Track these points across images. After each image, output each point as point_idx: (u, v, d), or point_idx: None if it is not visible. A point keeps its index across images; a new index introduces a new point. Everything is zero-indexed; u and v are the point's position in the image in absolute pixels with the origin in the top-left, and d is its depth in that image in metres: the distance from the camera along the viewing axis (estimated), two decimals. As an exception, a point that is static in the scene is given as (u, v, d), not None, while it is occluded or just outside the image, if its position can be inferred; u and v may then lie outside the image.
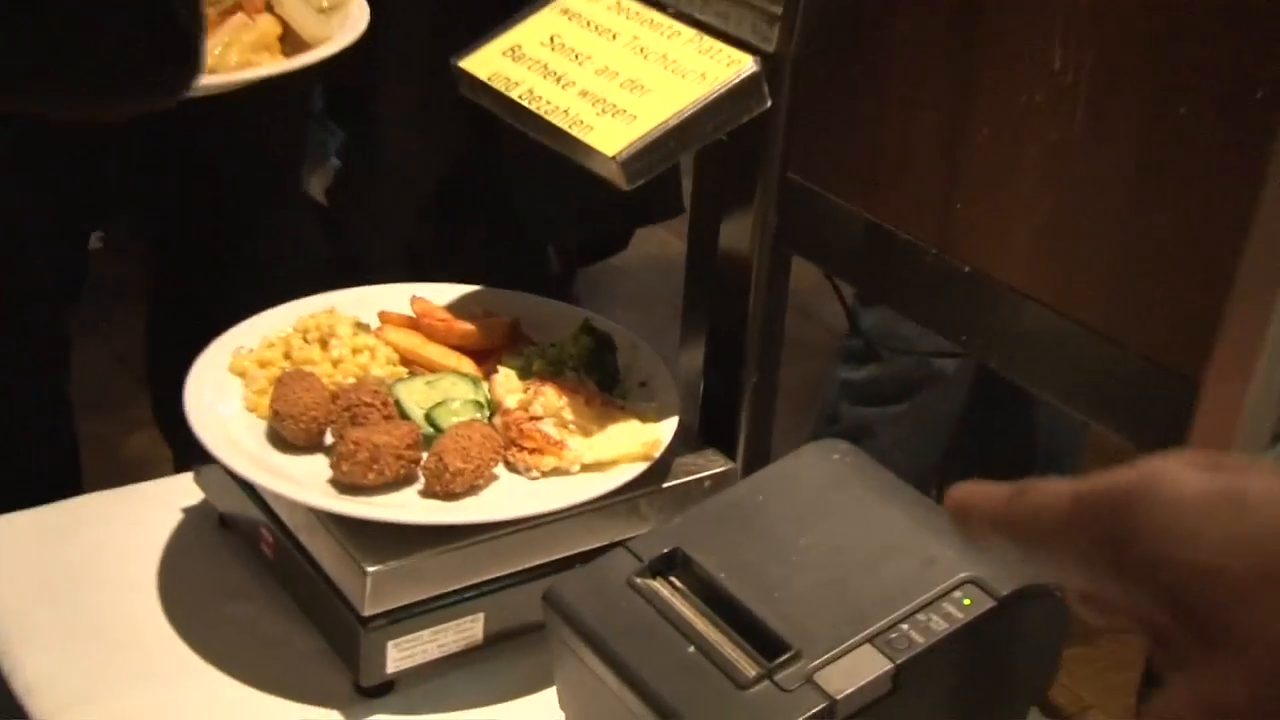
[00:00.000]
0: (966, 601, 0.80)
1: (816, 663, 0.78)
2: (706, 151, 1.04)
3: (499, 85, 1.00)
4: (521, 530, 0.94)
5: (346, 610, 0.91)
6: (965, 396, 1.88)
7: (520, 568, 0.95)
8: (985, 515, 0.42)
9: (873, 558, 0.84)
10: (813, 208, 1.02)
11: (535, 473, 0.96)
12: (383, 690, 0.94)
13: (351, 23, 1.27)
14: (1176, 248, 0.81)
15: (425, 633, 0.92)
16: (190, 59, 0.99)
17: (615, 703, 0.81)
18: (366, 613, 0.90)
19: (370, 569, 0.89)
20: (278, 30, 1.22)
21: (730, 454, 1.06)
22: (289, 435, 0.96)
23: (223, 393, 1.00)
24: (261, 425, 0.98)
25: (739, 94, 0.95)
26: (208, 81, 1.10)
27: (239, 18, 1.20)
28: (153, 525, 1.07)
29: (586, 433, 0.97)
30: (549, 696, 0.90)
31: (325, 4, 1.26)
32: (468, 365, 1.04)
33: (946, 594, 0.80)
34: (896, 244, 0.97)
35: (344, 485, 0.92)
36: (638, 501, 0.98)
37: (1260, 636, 0.30)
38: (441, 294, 1.12)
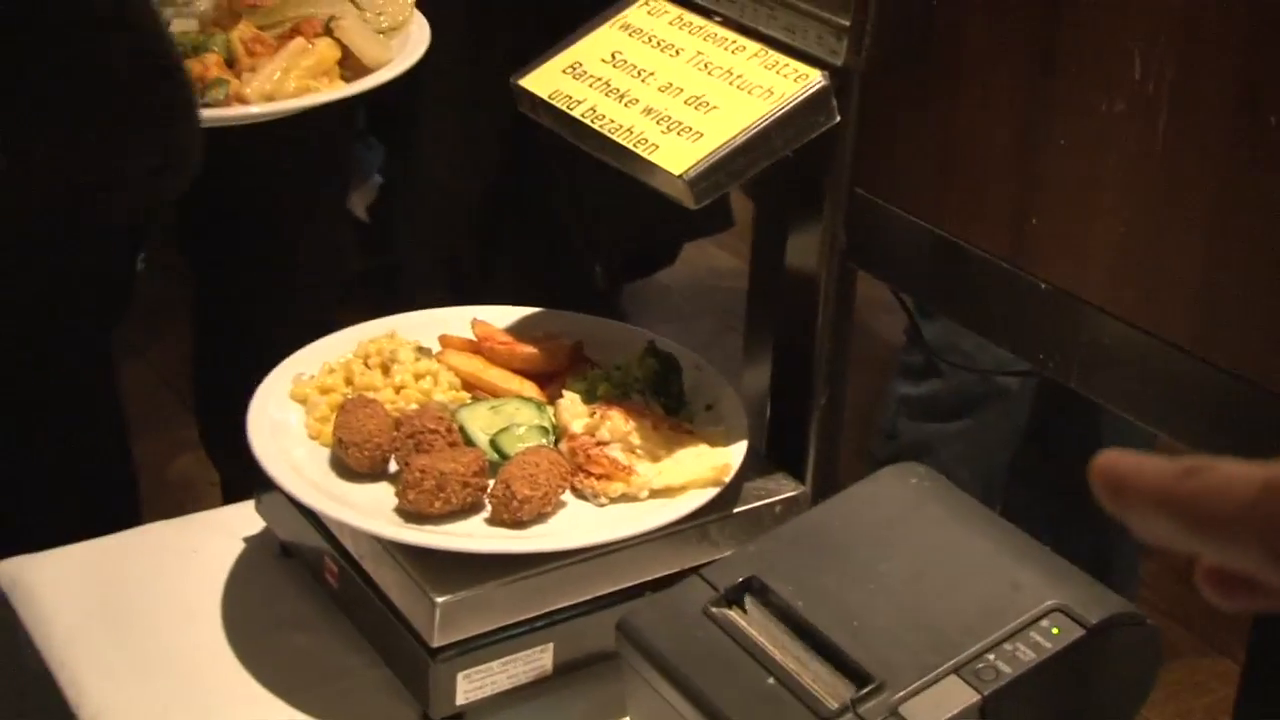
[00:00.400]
0: (1055, 630, 0.79)
1: (901, 694, 0.77)
2: (771, 167, 1.04)
3: (560, 104, 1.00)
4: (591, 558, 0.93)
5: (415, 641, 0.91)
6: (1029, 412, 1.86)
7: (590, 596, 0.94)
8: (1148, 492, 0.38)
9: (955, 584, 0.83)
10: (882, 223, 1.02)
11: (603, 499, 0.95)
12: (451, 722, 0.94)
13: (412, 45, 1.27)
14: (1264, 259, 0.80)
15: (495, 664, 0.92)
16: (184, 168, 1.02)
17: (693, 736, 0.80)
18: (436, 644, 0.90)
19: (439, 599, 0.89)
20: (337, 54, 1.22)
21: (799, 476, 1.06)
22: (353, 463, 0.96)
23: (285, 420, 1.01)
24: (325, 453, 0.99)
25: (807, 109, 0.94)
26: (266, 109, 1.11)
27: (297, 42, 1.20)
28: (213, 555, 1.08)
29: (654, 458, 0.97)
30: (621, 728, 0.89)
31: (385, 24, 1.27)
32: (531, 389, 1.04)
33: (1034, 622, 0.79)
34: (969, 259, 0.96)
35: (410, 514, 0.92)
36: (708, 528, 0.98)
37: None
38: (502, 316, 1.12)
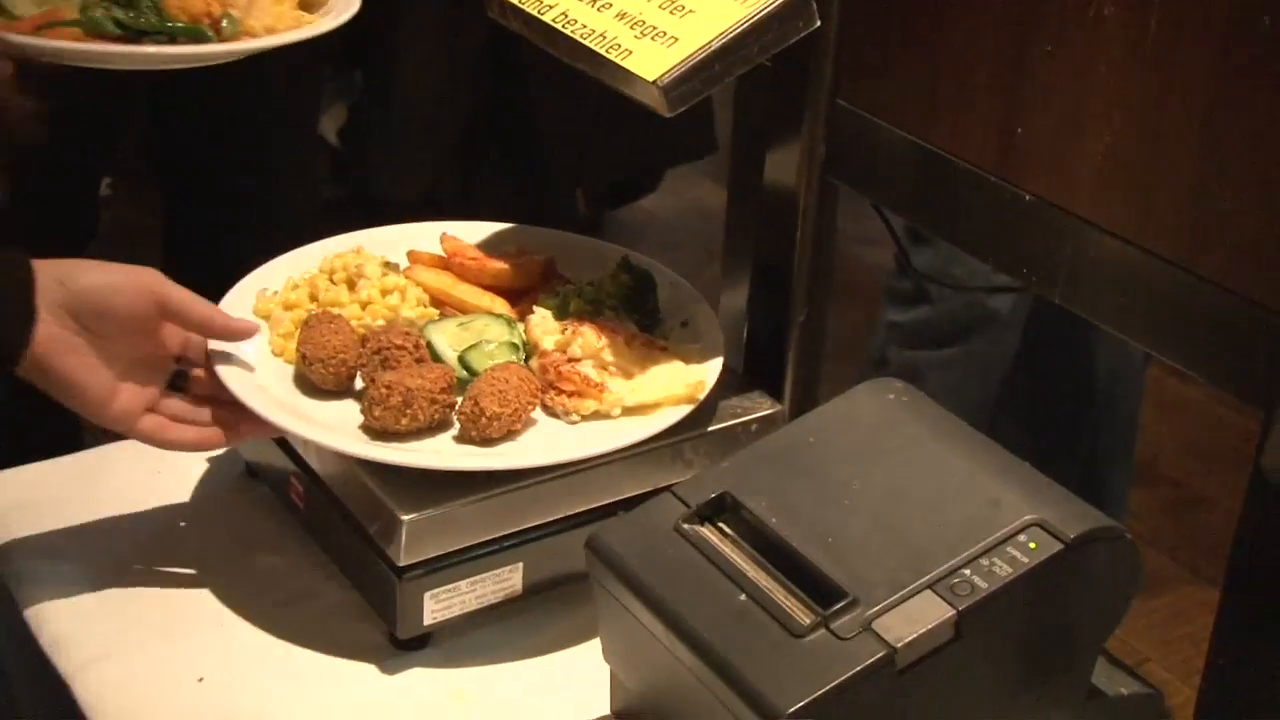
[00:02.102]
0: (1032, 545, 0.79)
1: (875, 610, 0.77)
2: (750, 78, 1.03)
3: (531, 8, 0.99)
4: (561, 476, 0.94)
5: (381, 561, 0.91)
6: (1019, 339, 1.86)
7: (560, 515, 0.95)
8: None
9: (932, 500, 0.83)
10: (863, 136, 1.01)
11: (575, 417, 0.95)
12: (419, 643, 0.94)
13: None
14: (1257, 168, 0.79)
15: (463, 583, 0.92)
16: None
17: (664, 654, 0.80)
18: (402, 563, 0.90)
19: (406, 517, 0.89)
20: None
21: (777, 396, 1.05)
22: (317, 380, 0.95)
23: (255, 341, 1.00)
24: (288, 370, 0.98)
25: (786, 13, 0.93)
26: (235, 47, 1.09)
27: None
28: (177, 476, 1.07)
29: (627, 375, 0.96)
30: (593, 649, 0.89)
31: None
32: (501, 306, 1.04)
33: (1011, 537, 0.79)
34: (954, 172, 0.95)
35: (376, 431, 0.92)
36: (682, 446, 0.98)
37: None
38: (472, 232, 1.11)
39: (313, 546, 1.00)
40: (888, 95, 0.99)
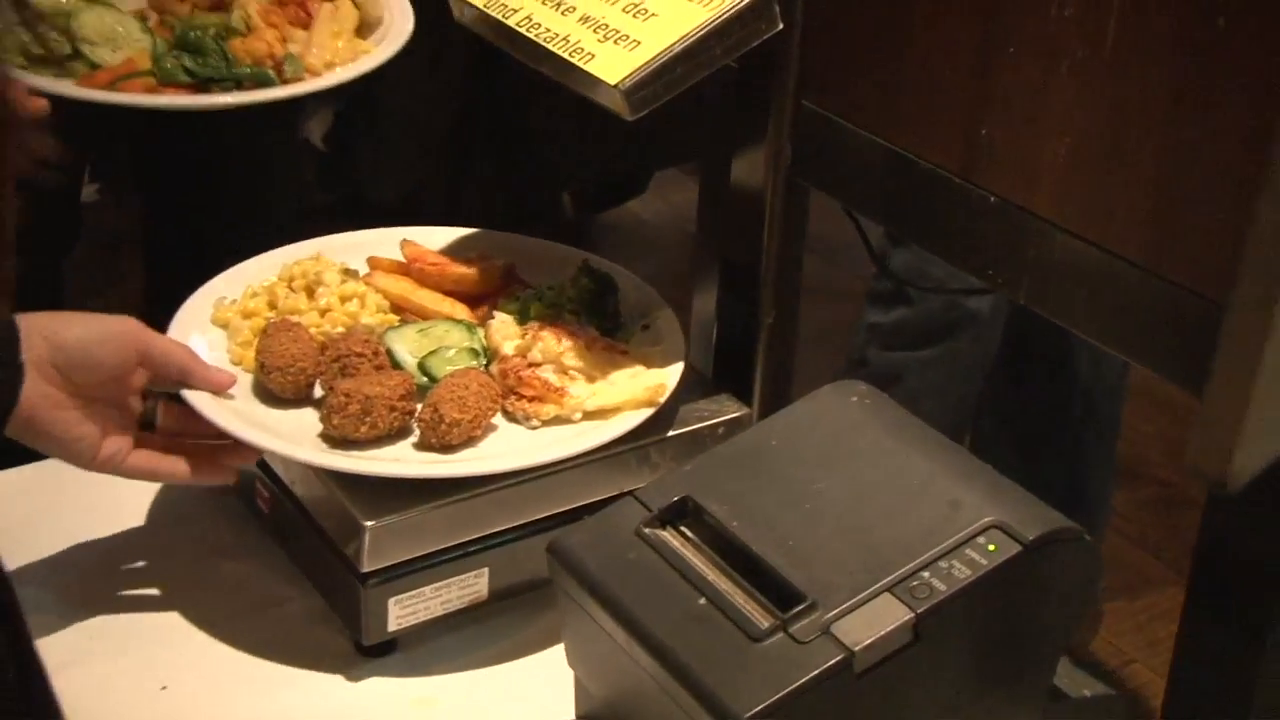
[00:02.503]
0: (991, 547, 0.79)
1: (833, 613, 0.77)
2: (718, 80, 1.03)
3: (496, 12, 0.99)
4: (525, 482, 0.94)
5: (345, 567, 0.92)
6: (999, 339, 1.87)
7: (525, 520, 0.95)
8: None
9: (893, 503, 0.83)
10: (830, 137, 1.01)
11: (536, 422, 0.95)
12: (385, 649, 0.94)
13: None
14: (1217, 169, 0.79)
15: (427, 589, 0.93)
16: None
17: (625, 658, 0.81)
18: (366, 569, 0.90)
19: (369, 524, 0.90)
20: (356, 14, 1.20)
21: (746, 399, 1.06)
22: (276, 388, 0.95)
23: (206, 346, 1.00)
24: (248, 379, 0.98)
25: (748, 16, 0.93)
26: (299, 89, 1.09)
27: (327, 8, 1.17)
28: (145, 484, 1.07)
29: (589, 379, 0.96)
30: (558, 654, 0.90)
31: None
32: (462, 311, 1.04)
33: (970, 540, 0.80)
34: (919, 174, 0.95)
35: (335, 439, 0.92)
36: (647, 450, 0.98)
37: None
38: (433, 237, 1.11)
39: (279, 553, 1.00)
40: (853, 97, 0.99)
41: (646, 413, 0.95)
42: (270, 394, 0.96)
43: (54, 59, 1.09)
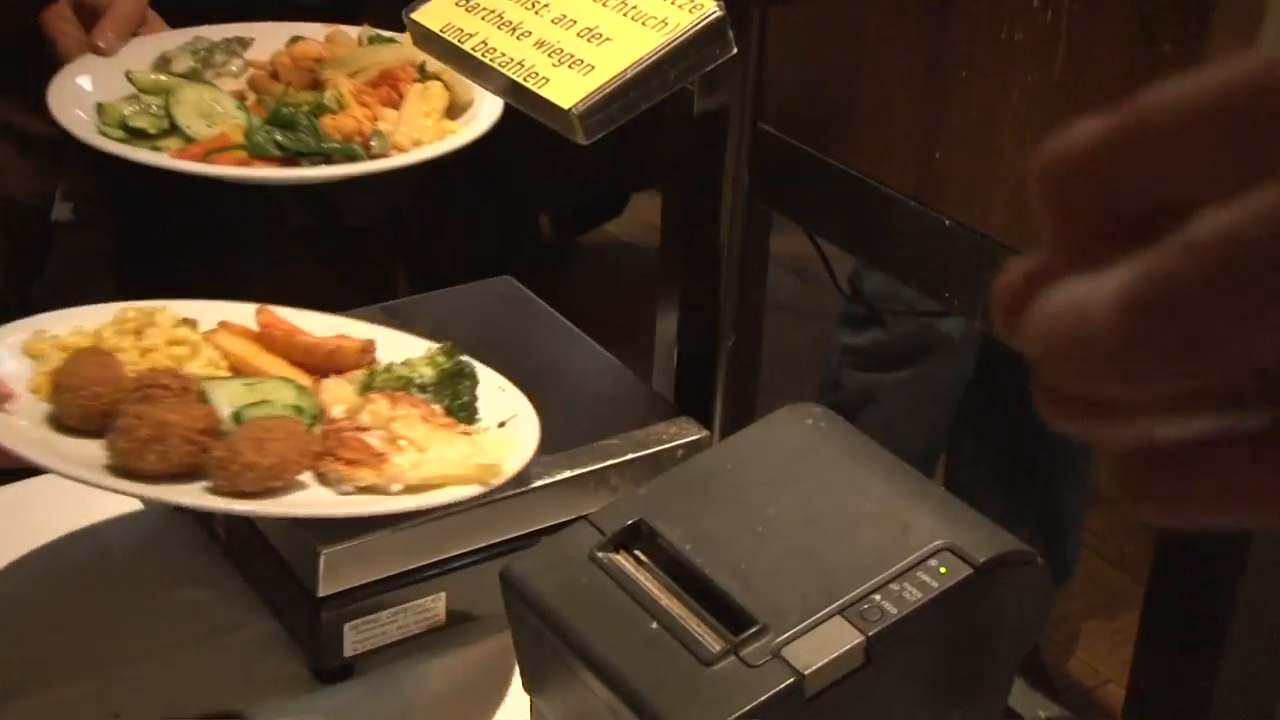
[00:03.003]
0: (943, 570, 0.80)
1: (784, 637, 0.77)
2: (676, 104, 1.04)
3: (452, 37, 0.99)
4: (483, 505, 0.94)
5: (301, 592, 0.92)
6: (973, 361, 1.88)
7: (482, 545, 0.95)
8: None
9: (845, 526, 0.83)
10: (787, 161, 1.02)
11: (348, 487, 0.87)
12: (341, 674, 0.94)
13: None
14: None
15: (384, 614, 0.93)
16: None
17: (577, 683, 0.81)
18: (321, 593, 0.90)
19: (324, 550, 0.90)
20: (447, 95, 1.17)
21: (708, 422, 1.06)
22: (62, 412, 0.85)
23: (8, 371, 0.90)
24: (45, 408, 0.89)
25: (702, 40, 0.94)
26: (383, 165, 1.08)
27: (418, 88, 1.15)
28: (99, 507, 1.07)
29: (418, 450, 0.88)
30: (515, 679, 0.90)
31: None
32: (304, 380, 0.95)
33: (921, 562, 0.80)
34: (875, 197, 0.96)
35: (119, 469, 0.82)
36: (607, 473, 0.98)
37: None
38: (297, 315, 1.02)
39: (237, 578, 1.00)
40: (809, 122, 1.00)
41: (474, 490, 0.88)
42: (62, 423, 0.87)
43: (151, 133, 1.11)
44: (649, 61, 0.93)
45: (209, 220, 1.93)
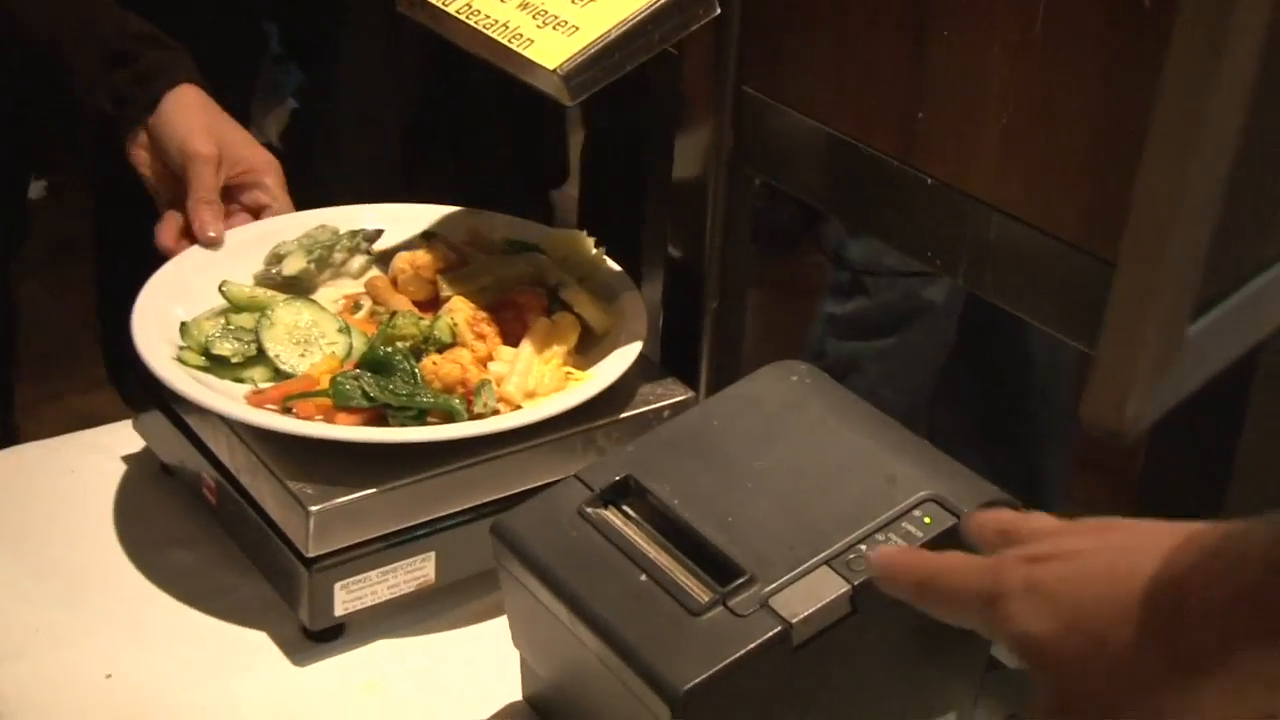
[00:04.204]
0: (927, 520, 0.81)
1: (772, 587, 0.79)
2: (658, 66, 1.05)
3: (436, 0, 1.00)
4: (472, 465, 0.95)
5: (291, 553, 0.93)
6: (955, 328, 1.89)
7: (472, 504, 0.96)
8: (906, 581, 0.63)
9: (831, 479, 0.85)
10: (770, 123, 1.03)
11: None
12: (332, 635, 0.96)
13: (630, 305, 1.08)
14: (1141, 148, 0.81)
15: (374, 573, 0.94)
16: None
17: (567, 635, 0.82)
18: (311, 554, 0.91)
19: (314, 509, 0.91)
20: (577, 330, 1.05)
21: (693, 385, 1.07)
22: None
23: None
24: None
25: (686, 1, 0.95)
26: (480, 428, 0.95)
27: (543, 324, 1.03)
28: (92, 474, 1.09)
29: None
30: (504, 636, 0.91)
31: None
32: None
33: (907, 513, 0.82)
34: (859, 158, 0.98)
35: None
36: (594, 433, 1.00)
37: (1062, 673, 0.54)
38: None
39: (227, 542, 1.01)
40: (793, 82, 1.01)
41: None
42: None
43: (234, 361, 1.00)
44: (633, 22, 0.94)
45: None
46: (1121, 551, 0.52)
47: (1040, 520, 0.59)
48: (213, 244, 1.10)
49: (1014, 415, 1.90)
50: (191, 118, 1.14)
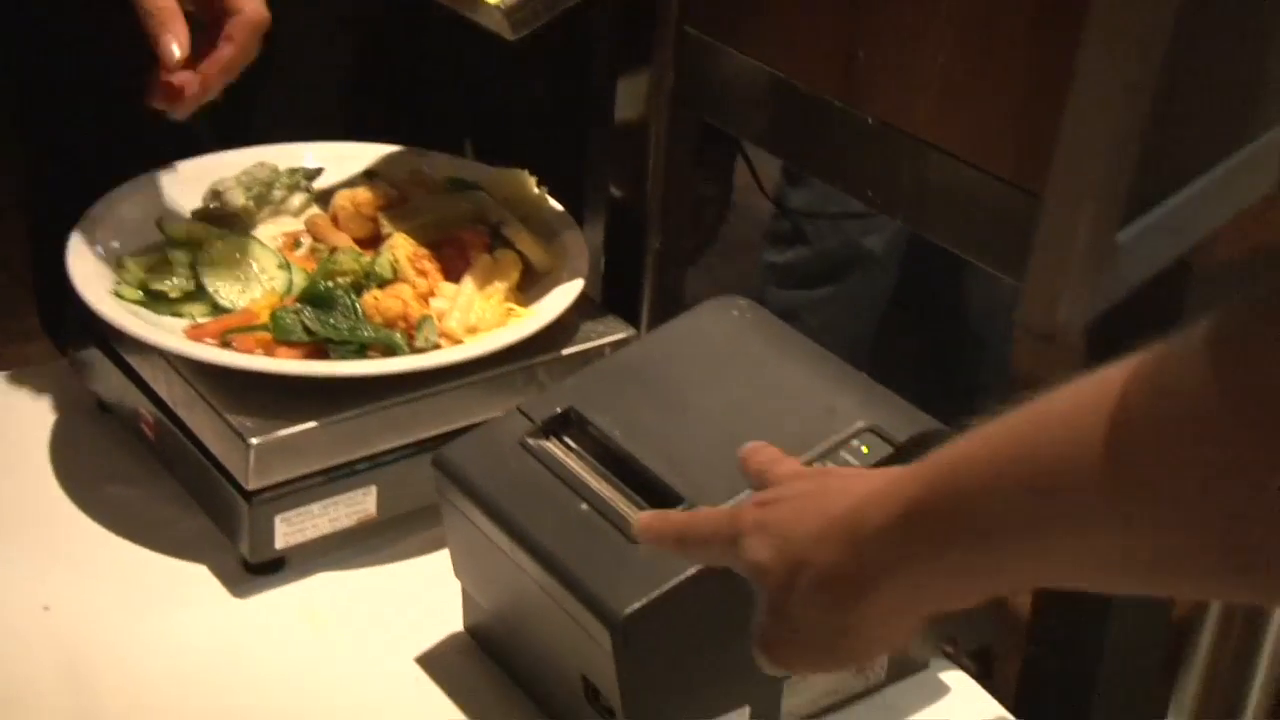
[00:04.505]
0: (864, 449, 0.83)
1: (710, 514, 0.80)
2: (599, 4, 1.05)
3: (377, -65, 1.00)
4: (413, 400, 0.96)
5: (231, 486, 0.93)
6: (894, 278, 1.91)
7: (413, 439, 0.97)
8: (668, 537, 0.71)
9: (771, 410, 0.86)
10: (712, 63, 1.03)
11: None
12: (273, 568, 0.96)
13: (572, 244, 1.07)
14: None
15: (315, 506, 0.94)
16: None
17: (508, 563, 0.83)
18: (251, 487, 0.92)
19: (254, 441, 0.91)
20: (519, 268, 1.04)
21: (634, 324, 1.08)
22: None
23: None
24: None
25: (628, -64, 0.95)
26: (423, 362, 0.95)
27: (485, 260, 1.02)
28: (27, 411, 1.08)
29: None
30: (446, 568, 0.92)
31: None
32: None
33: (844, 443, 0.83)
34: (800, 98, 0.98)
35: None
36: (535, 369, 1.00)
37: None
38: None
39: (166, 479, 1.01)
40: (734, 22, 1.02)
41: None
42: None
43: (173, 297, 0.99)
44: (575, -43, 0.94)
45: (127, 148, 1.90)
46: (831, 492, 0.63)
47: (785, 465, 0.70)
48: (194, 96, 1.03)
49: (951, 364, 1.93)
50: None
